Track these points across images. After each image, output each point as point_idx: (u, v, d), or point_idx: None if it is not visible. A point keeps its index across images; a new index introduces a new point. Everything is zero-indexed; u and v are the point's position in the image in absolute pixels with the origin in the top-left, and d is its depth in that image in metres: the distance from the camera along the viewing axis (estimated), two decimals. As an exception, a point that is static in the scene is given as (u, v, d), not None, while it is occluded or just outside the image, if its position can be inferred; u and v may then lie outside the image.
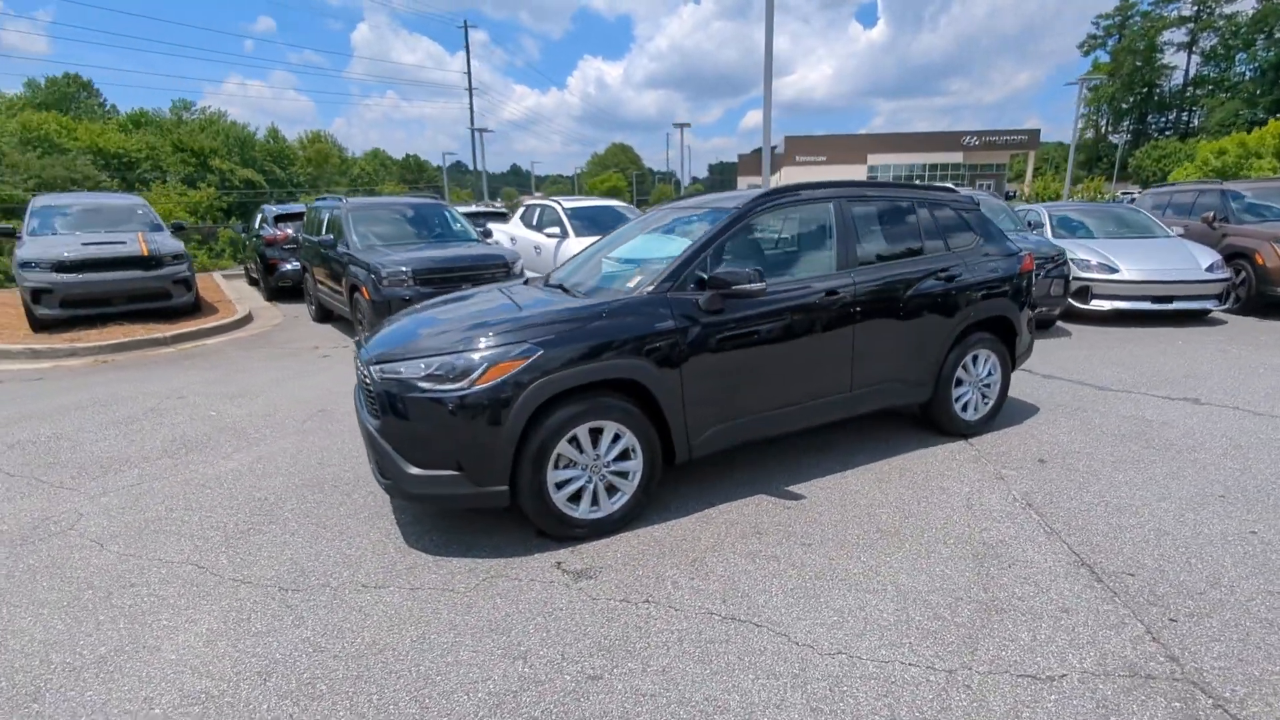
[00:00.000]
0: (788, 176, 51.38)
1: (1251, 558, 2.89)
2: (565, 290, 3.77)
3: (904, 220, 4.23)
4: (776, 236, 4.44)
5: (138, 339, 8.52)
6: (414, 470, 2.98)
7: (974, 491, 3.62)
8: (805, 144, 53.80)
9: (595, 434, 3.16)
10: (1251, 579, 2.74)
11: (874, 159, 51.97)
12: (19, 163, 44.96)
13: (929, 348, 4.15)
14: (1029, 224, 9.21)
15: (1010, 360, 4.60)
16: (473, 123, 40.26)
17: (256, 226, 13.48)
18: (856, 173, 49.79)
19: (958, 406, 4.38)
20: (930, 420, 4.44)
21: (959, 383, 4.37)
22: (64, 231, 9.76)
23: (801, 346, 3.66)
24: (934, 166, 51.88)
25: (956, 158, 51.91)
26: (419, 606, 2.70)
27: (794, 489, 3.71)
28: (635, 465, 3.27)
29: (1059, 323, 8.19)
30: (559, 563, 3.01)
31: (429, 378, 2.94)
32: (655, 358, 3.20)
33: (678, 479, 3.82)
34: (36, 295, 8.71)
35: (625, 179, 76.60)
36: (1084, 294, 8.14)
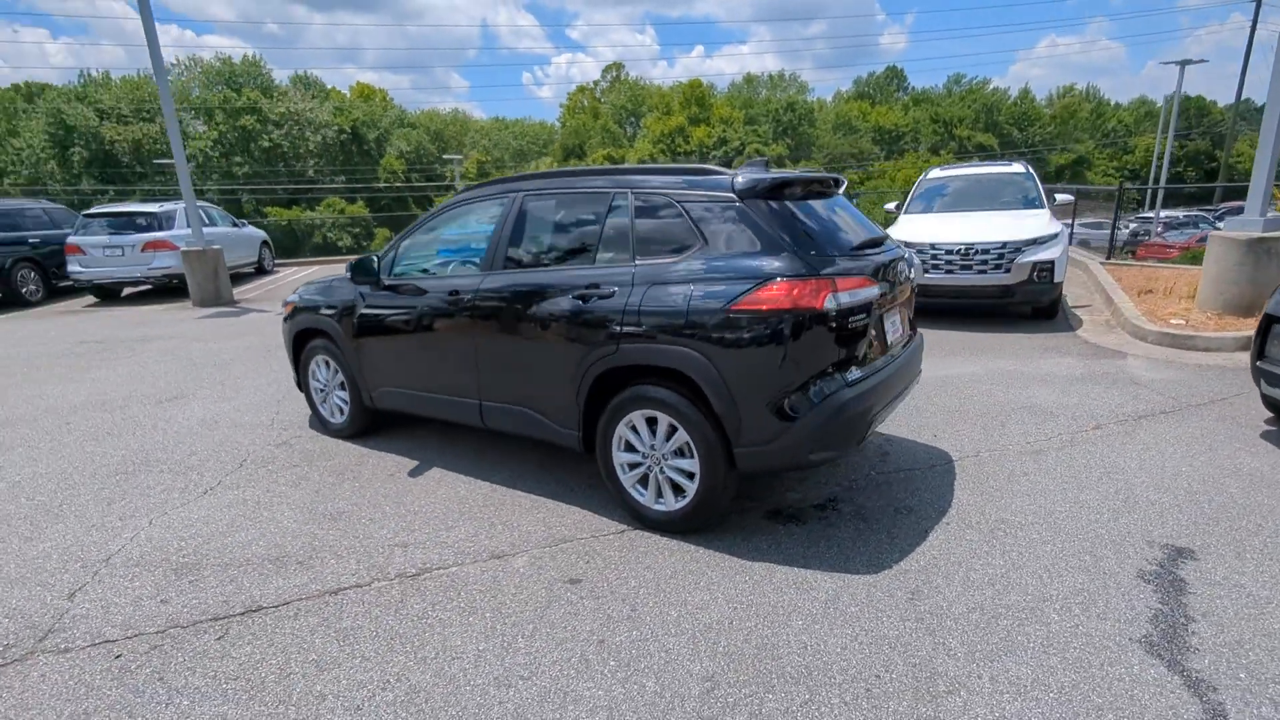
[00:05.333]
0: None
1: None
2: None
3: (580, 219, 3.28)
4: (463, 235, 4.01)
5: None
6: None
7: (483, 559, 3.05)
8: None
9: (326, 365, 4.54)
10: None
11: None
12: (827, 143, 60.25)
13: (557, 384, 3.23)
14: None
15: (724, 444, 2.78)
16: (1251, 40, 29.26)
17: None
18: None
19: (628, 479, 3.12)
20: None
21: (628, 447, 3.09)
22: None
23: (425, 341, 3.84)
24: None
25: None
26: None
27: (460, 478, 3.85)
28: (347, 396, 4.47)
29: None
30: (287, 441, 4.64)
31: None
32: (337, 320, 4.28)
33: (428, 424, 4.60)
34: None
35: None
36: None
